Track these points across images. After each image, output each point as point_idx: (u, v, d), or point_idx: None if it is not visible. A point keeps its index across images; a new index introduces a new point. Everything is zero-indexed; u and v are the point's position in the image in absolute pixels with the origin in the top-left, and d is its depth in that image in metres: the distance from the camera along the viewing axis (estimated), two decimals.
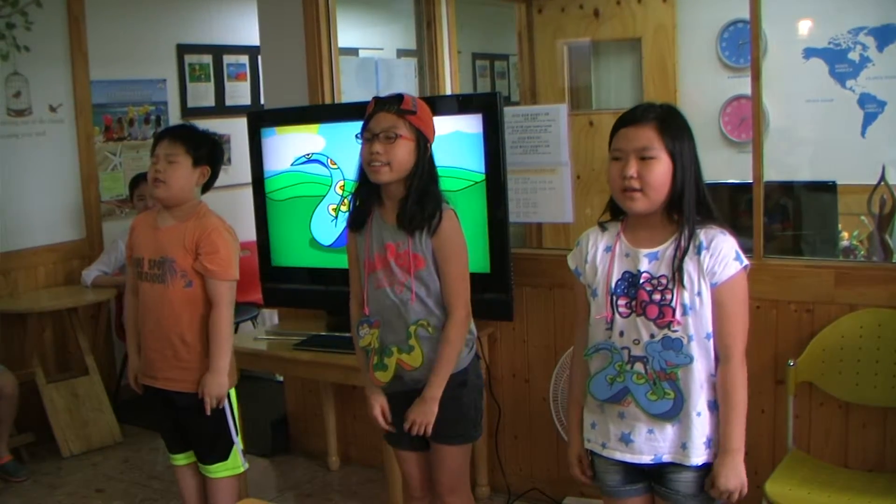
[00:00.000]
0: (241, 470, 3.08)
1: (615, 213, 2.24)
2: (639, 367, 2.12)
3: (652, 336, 2.10)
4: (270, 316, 5.20)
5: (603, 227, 2.25)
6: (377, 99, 2.56)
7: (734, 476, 2.09)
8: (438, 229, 2.52)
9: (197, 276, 2.90)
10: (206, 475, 3.05)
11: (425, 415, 2.54)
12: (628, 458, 2.18)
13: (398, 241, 2.54)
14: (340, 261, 3.22)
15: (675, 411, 2.10)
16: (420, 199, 2.51)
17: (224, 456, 3.01)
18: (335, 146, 3.52)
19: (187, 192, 2.93)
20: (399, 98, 2.53)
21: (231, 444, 3.02)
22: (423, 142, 2.53)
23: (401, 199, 2.54)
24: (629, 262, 2.16)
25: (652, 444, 2.14)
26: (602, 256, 2.21)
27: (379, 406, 2.63)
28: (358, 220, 2.62)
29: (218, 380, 2.90)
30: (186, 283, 2.90)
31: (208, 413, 2.91)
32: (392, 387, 2.61)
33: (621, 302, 2.14)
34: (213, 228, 2.91)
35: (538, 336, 3.55)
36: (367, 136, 2.52)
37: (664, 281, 2.10)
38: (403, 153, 2.49)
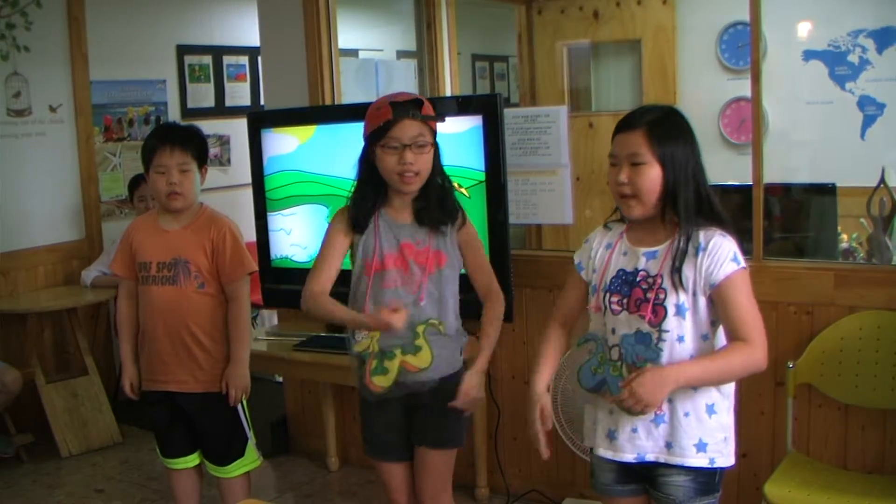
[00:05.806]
0: (258, 464, 3.09)
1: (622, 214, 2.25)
2: (616, 358, 2.13)
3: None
4: (270, 316, 5.19)
5: (608, 227, 2.27)
6: (395, 104, 2.41)
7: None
8: (465, 223, 2.52)
9: (211, 277, 2.90)
10: (222, 476, 3.03)
11: (477, 388, 2.51)
12: (610, 455, 2.18)
13: (417, 239, 2.47)
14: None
15: None
16: (440, 196, 2.48)
17: (241, 452, 3.02)
18: (335, 147, 3.52)
19: (196, 195, 2.94)
20: (418, 103, 2.43)
21: (246, 439, 3.02)
22: (436, 142, 2.49)
23: (415, 199, 2.48)
24: (626, 261, 2.17)
25: (635, 443, 2.15)
26: (602, 253, 2.22)
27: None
28: (361, 221, 2.51)
29: (241, 371, 2.91)
30: (199, 285, 2.89)
31: (232, 404, 2.91)
32: (391, 393, 2.52)
33: (614, 299, 2.15)
34: (227, 228, 2.92)
35: (538, 337, 3.48)
36: (395, 146, 2.40)
37: (659, 280, 2.10)
38: (430, 160, 2.45)
